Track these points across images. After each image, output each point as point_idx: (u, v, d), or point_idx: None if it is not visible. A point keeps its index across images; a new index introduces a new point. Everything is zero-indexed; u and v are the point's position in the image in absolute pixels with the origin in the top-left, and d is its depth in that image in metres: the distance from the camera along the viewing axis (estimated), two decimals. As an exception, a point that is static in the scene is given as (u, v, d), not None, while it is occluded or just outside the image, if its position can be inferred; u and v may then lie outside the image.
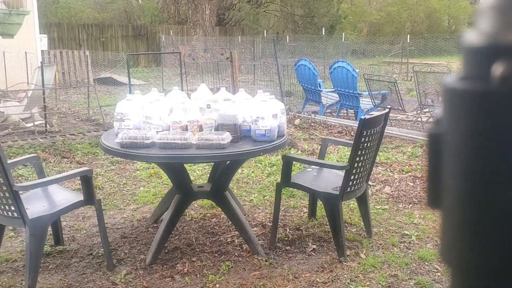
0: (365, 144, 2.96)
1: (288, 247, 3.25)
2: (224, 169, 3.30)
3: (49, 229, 3.11)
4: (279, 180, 3.34)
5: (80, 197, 2.93)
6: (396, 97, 7.23)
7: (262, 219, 3.74)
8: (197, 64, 10.19)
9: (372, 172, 3.43)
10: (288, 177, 3.23)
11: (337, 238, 3.07)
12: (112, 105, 6.79)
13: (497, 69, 0.34)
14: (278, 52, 9.07)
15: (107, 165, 5.21)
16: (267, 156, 5.25)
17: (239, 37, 18.90)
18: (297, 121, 7.06)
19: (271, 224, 3.34)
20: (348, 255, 3.08)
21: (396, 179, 4.67)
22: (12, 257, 3.11)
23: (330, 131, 6.84)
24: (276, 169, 4.89)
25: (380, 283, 2.79)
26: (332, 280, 2.82)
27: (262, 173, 4.97)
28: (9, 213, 2.62)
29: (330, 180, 3.27)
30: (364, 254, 3.14)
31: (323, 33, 17.86)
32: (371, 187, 4.39)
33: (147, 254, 3.09)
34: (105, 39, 19.95)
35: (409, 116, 7.91)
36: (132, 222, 3.72)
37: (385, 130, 3.30)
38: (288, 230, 3.49)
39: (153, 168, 4.96)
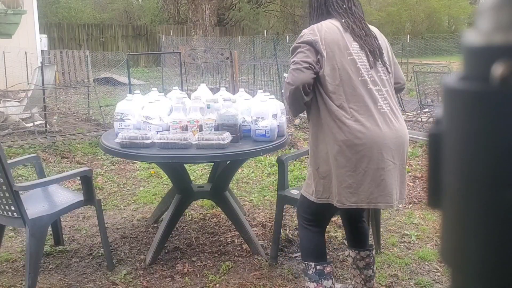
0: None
1: (288, 247, 3.25)
2: (224, 169, 3.30)
3: (49, 229, 3.11)
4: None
5: (80, 197, 2.93)
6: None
7: (262, 219, 3.74)
8: (197, 64, 10.17)
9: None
10: (285, 180, 3.06)
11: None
12: (112, 105, 6.79)
13: (497, 69, 0.34)
14: (278, 52, 9.05)
15: (107, 165, 5.21)
16: (267, 156, 5.25)
17: (239, 37, 18.90)
18: (297, 121, 7.06)
19: (271, 224, 3.34)
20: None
21: (396, 179, 4.66)
22: (12, 257, 3.11)
23: (330, 131, 6.83)
24: (276, 169, 4.88)
25: (380, 283, 2.79)
26: (332, 280, 2.82)
27: (262, 173, 4.97)
28: (9, 213, 2.62)
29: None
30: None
31: (324, 33, 17.78)
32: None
33: (147, 254, 3.09)
34: (105, 39, 19.96)
35: (409, 116, 7.90)
36: (132, 222, 3.72)
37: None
38: (288, 230, 3.48)
39: (153, 168, 4.96)
